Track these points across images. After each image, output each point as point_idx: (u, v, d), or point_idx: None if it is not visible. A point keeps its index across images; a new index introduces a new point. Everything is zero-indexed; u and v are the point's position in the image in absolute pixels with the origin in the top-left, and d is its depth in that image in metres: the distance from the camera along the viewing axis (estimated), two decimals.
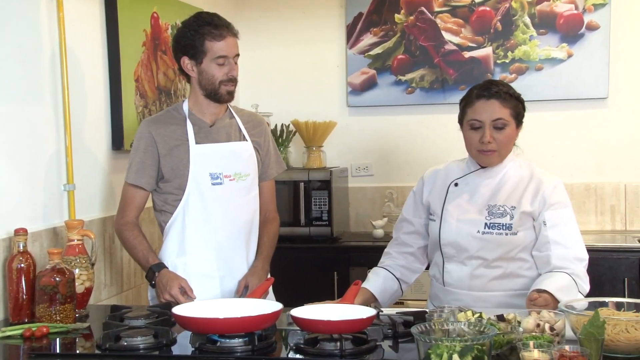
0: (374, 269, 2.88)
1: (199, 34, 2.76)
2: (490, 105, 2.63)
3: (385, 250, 2.94)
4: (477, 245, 2.66)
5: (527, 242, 2.67)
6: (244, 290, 2.80)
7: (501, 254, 2.65)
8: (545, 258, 2.62)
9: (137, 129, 2.89)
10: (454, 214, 2.71)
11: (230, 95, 2.85)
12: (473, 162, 2.75)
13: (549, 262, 2.61)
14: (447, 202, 2.75)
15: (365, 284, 2.77)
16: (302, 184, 4.27)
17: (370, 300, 2.75)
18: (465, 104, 2.71)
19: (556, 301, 2.42)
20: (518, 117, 2.68)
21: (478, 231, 2.66)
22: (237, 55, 2.84)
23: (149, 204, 2.92)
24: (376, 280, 2.81)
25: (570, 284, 2.55)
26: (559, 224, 2.63)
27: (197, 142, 2.81)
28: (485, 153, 2.66)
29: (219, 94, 2.82)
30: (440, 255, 2.76)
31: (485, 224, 2.66)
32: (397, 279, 2.84)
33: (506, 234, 2.64)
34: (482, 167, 2.73)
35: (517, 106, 2.67)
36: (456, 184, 2.77)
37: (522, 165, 2.74)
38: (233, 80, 2.82)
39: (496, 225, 2.65)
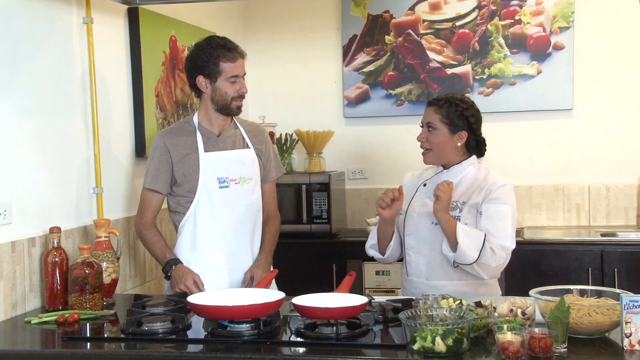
0: None
1: (213, 56, 2.74)
2: (428, 111, 2.72)
3: None
4: (431, 235, 2.64)
5: None
6: (250, 280, 2.78)
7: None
8: None
9: (152, 140, 2.88)
10: (416, 209, 2.73)
11: (239, 109, 2.84)
12: (439, 166, 2.77)
13: None
14: (413, 199, 2.76)
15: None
16: (304, 186, 4.25)
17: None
18: None
19: (451, 230, 2.50)
20: (452, 125, 2.67)
21: (432, 222, 2.64)
22: (245, 74, 2.83)
23: (164, 205, 2.91)
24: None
25: (478, 237, 2.52)
26: (493, 217, 2.58)
27: (206, 150, 2.80)
28: (422, 151, 2.73)
29: (230, 108, 2.80)
30: (404, 247, 2.77)
31: None
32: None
33: None
34: (445, 169, 2.73)
35: (449, 115, 2.67)
36: (425, 184, 2.79)
37: (480, 170, 2.73)
38: (242, 97, 2.81)
39: None
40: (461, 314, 1.99)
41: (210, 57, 2.74)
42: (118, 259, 2.81)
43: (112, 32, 3.24)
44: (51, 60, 2.80)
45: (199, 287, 2.65)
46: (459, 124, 2.68)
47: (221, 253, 2.81)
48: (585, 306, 2.02)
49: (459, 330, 1.90)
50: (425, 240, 2.66)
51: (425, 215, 2.68)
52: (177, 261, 2.75)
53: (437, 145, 2.70)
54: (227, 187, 2.80)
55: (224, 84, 2.76)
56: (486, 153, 4.62)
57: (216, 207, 2.79)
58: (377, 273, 4.05)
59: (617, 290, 2.15)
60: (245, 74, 2.82)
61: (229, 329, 2.14)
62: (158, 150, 2.81)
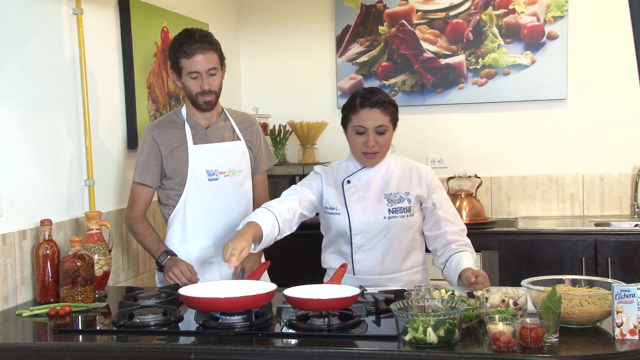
0: (267, 210, 2.59)
1: (174, 53, 2.74)
2: (373, 114, 2.61)
3: (276, 201, 2.69)
4: (385, 229, 2.65)
5: (419, 222, 2.72)
6: (240, 272, 2.78)
7: (403, 235, 2.67)
8: (442, 235, 2.68)
9: (142, 133, 2.86)
10: (358, 206, 2.68)
11: (208, 104, 2.78)
12: (357, 162, 2.73)
13: (445, 237, 2.68)
14: (347, 197, 2.69)
15: (258, 220, 2.51)
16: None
17: (259, 236, 2.48)
18: (349, 111, 2.66)
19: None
20: (395, 122, 2.68)
21: (384, 217, 2.65)
22: (213, 68, 2.73)
23: (155, 198, 2.90)
24: (267, 224, 2.53)
25: (472, 256, 2.64)
26: (444, 204, 2.72)
27: (194, 143, 2.79)
28: (369, 156, 2.65)
29: (197, 104, 2.79)
30: (349, 246, 2.70)
31: (389, 209, 2.66)
32: (279, 229, 2.61)
33: (407, 216, 2.66)
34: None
35: (394, 113, 2.67)
36: (348, 181, 2.72)
37: (397, 159, 2.77)
38: (207, 93, 2.75)
39: (398, 209, 2.66)
40: (453, 305, 1.99)
41: (172, 52, 2.75)
42: (110, 251, 2.80)
43: (103, 24, 3.22)
44: (41, 51, 2.78)
45: (192, 276, 2.66)
46: (397, 120, 2.70)
47: (211, 245, 2.81)
48: (577, 296, 2.03)
49: (451, 321, 1.90)
50: (379, 236, 2.66)
51: (372, 212, 2.66)
52: (172, 253, 2.76)
53: (387, 146, 2.69)
54: (217, 179, 2.80)
55: (186, 80, 2.75)
56: (481, 143, 4.65)
57: (205, 199, 2.78)
58: None
59: (609, 280, 2.16)
60: (212, 68, 2.73)
61: (220, 321, 2.13)
62: (147, 143, 2.80)
